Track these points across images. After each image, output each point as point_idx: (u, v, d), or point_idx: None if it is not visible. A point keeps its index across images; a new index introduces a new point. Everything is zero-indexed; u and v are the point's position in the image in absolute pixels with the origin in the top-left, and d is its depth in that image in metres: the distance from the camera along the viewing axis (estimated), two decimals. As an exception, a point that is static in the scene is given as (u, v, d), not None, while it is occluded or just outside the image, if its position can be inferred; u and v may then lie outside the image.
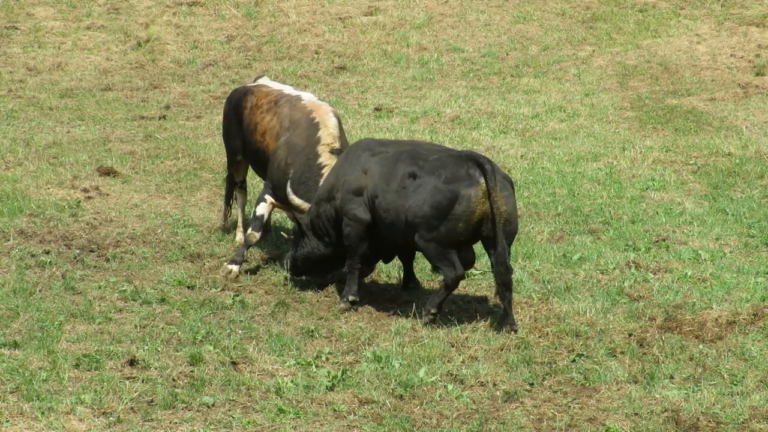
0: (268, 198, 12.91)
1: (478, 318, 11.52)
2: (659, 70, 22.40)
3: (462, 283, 12.33)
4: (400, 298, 12.08)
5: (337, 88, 21.32)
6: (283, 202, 12.79)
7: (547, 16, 25.24)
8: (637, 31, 24.35)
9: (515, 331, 11.20)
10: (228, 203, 14.10)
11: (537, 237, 13.78)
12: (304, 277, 12.54)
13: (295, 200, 12.40)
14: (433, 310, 11.44)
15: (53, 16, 24.34)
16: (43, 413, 9.38)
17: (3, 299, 11.54)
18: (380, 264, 12.89)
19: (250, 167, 13.87)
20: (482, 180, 11.12)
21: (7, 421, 9.25)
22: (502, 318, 11.34)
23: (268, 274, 12.65)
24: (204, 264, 12.85)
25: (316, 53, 23.31)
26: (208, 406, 9.69)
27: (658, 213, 14.59)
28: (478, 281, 12.45)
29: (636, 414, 9.73)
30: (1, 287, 11.83)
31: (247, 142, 13.33)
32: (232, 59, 22.77)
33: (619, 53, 23.29)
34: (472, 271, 12.63)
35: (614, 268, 12.78)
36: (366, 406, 9.81)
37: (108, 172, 15.76)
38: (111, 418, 9.41)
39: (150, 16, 24.45)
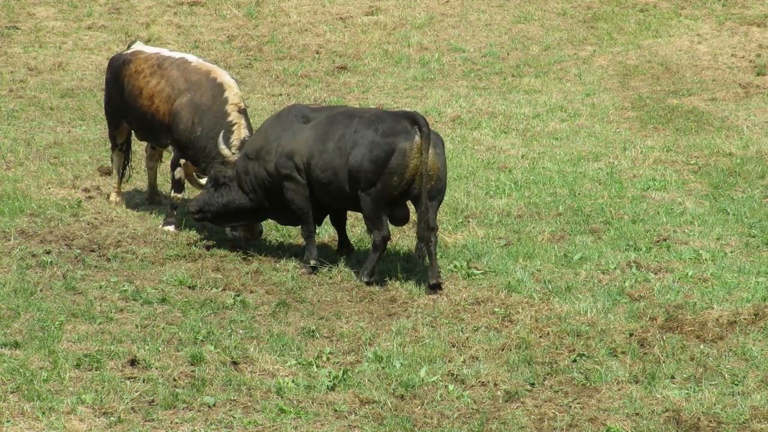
0: (182, 160, 13.65)
1: (479, 318, 11.51)
2: (660, 69, 22.39)
3: (462, 283, 12.35)
4: (400, 298, 12.07)
5: (338, 87, 21.31)
6: (192, 161, 13.56)
7: (548, 15, 25.23)
8: (638, 31, 24.33)
9: (439, 284, 11.93)
10: (121, 174, 14.82)
11: (538, 237, 13.77)
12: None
13: (224, 150, 13.03)
14: (365, 279, 12.15)
15: (54, 16, 24.33)
16: (43, 413, 9.38)
17: (4, 299, 11.54)
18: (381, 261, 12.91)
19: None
20: (417, 135, 11.77)
21: (8, 421, 9.25)
22: (429, 272, 12.04)
23: (269, 273, 12.65)
24: (204, 264, 12.85)
25: (317, 53, 23.29)
26: (209, 406, 9.69)
27: (659, 213, 14.58)
28: (479, 281, 12.44)
29: (637, 414, 9.73)
30: (2, 287, 11.83)
31: (130, 108, 14.07)
32: (233, 59, 22.76)
33: (620, 53, 23.27)
34: (473, 270, 12.63)
35: (615, 268, 12.77)
36: (367, 406, 9.80)
37: (109, 172, 15.73)
38: (112, 418, 9.41)
39: (151, 16, 24.44)
